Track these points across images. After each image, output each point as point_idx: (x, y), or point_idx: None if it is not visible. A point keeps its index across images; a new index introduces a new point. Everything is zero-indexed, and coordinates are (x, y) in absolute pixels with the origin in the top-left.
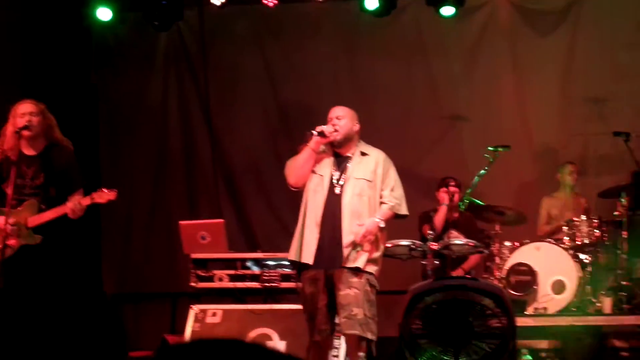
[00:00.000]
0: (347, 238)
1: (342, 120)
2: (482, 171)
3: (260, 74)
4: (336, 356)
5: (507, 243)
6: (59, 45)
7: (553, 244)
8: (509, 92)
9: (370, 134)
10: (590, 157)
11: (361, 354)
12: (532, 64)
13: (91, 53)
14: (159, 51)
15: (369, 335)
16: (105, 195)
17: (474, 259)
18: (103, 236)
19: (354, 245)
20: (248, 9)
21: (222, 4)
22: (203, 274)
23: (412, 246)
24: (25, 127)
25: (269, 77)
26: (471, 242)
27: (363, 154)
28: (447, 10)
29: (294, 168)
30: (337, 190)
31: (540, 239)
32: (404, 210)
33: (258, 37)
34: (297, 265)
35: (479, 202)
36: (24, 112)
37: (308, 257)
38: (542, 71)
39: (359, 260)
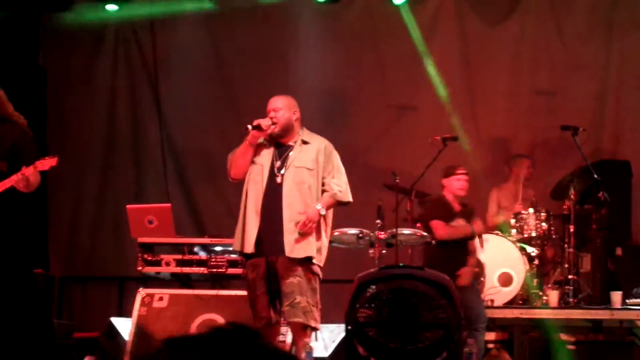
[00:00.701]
0: (287, 226)
1: (279, 111)
2: None
3: (210, 58)
4: (283, 341)
5: None
6: (6, 26)
7: (501, 236)
8: (458, 82)
9: (318, 121)
10: (538, 149)
11: (307, 339)
12: (482, 55)
13: (39, 34)
14: (108, 34)
15: (312, 323)
16: (47, 162)
17: None
18: (50, 218)
19: (297, 233)
20: None
21: None
22: (150, 258)
23: (359, 235)
24: None
25: (219, 60)
26: (419, 232)
27: (304, 142)
28: None
29: (232, 161)
30: (278, 179)
31: (488, 231)
32: (347, 197)
33: (208, 20)
34: (242, 253)
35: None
36: None
37: (249, 247)
38: (491, 62)
39: (302, 250)
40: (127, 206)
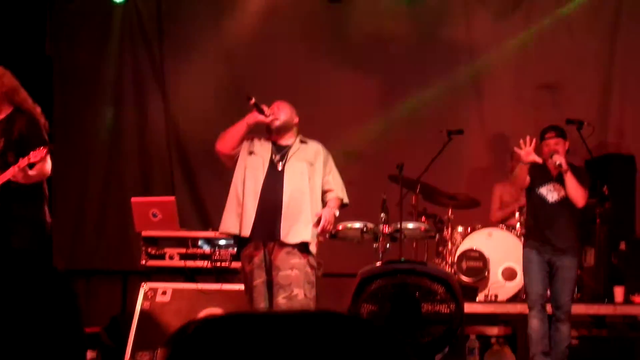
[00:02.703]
0: (286, 211)
1: (282, 110)
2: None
3: (216, 52)
4: None
5: (460, 228)
6: (13, 14)
7: (505, 230)
8: (464, 75)
9: (322, 114)
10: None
11: None
12: (488, 49)
13: (46, 24)
14: (115, 24)
15: None
16: (38, 153)
17: None
18: (55, 211)
19: (294, 220)
20: None
21: None
22: (154, 252)
23: (364, 229)
24: None
25: (226, 55)
26: (422, 225)
27: (302, 141)
28: None
29: (225, 136)
30: (279, 167)
31: (493, 225)
32: (346, 198)
33: (215, 15)
34: (237, 240)
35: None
36: None
37: (246, 229)
38: (497, 56)
39: (298, 234)
40: (132, 199)
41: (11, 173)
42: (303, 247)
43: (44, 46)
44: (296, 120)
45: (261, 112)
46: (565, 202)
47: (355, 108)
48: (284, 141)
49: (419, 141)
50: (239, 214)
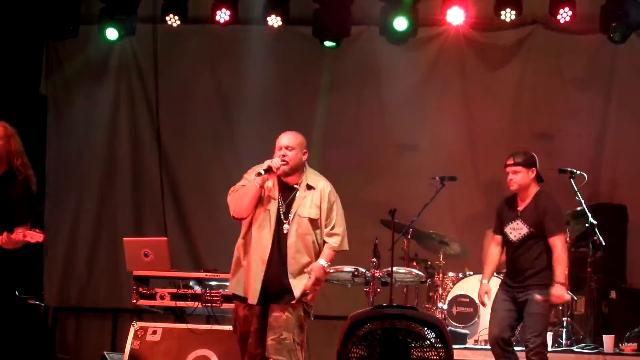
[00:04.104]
0: (292, 280)
1: (292, 151)
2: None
3: (211, 94)
4: None
5: (451, 274)
6: (8, 53)
7: (496, 276)
8: (458, 123)
9: (319, 157)
10: None
11: None
12: (482, 97)
13: (41, 63)
14: (110, 65)
15: None
16: (35, 236)
17: None
18: (46, 248)
19: (298, 280)
20: (201, 28)
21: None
22: (145, 292)
23: (355, 272)
24: None
25: (220, 97)
26: (413, 271)
27: (309, 187)
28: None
29: (239, 202)
30: (285, 228)
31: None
32: (345, 246)
33: (210, 57)
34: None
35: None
36: None
37: (253, 298)
38: (491, 104)
39: (300, 287)
40: (124, 239)
41: (1, 241)
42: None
43: (39, 86)
44: (305, 157)
45: (270, 171)
46: (529, 239)
47: (349, 150)
48: (292, 180)
49: (411, 186)
50: (245, 276)
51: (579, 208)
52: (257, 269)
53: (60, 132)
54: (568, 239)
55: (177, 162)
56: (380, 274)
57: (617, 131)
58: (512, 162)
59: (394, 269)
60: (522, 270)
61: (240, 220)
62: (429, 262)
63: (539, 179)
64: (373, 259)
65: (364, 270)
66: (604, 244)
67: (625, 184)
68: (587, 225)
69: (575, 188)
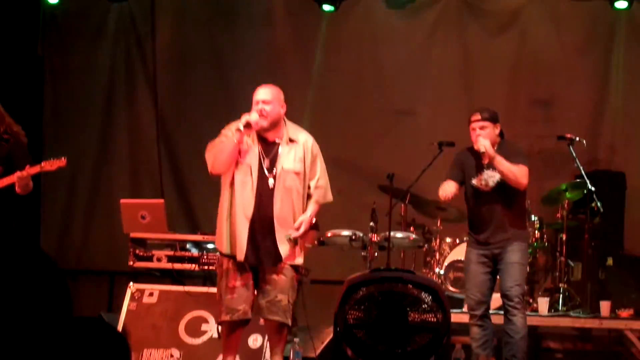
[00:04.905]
0: (279, 235)
1: (268, 105)
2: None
3: (208, 57)
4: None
5: (448, 239)
6: (5, 14)
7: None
8: (457, 89)
9: (317, 124)
10: (534, 159)
11: (296, 339)
12: (481, 63)
13: (38, 24)
14: (108, 27)
15: (290, 322)
16: (55, 163)
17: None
18: (43, 211)
19: (288, 242)
20: None
21: None
22: (141, 254)
23: (352, 237)
24: None
25: (217, 60)
26: (412, 235)
27: (291, 140)
28: None
29: (217, 157)
30: (270, 183)
31: None
32: (329, 197)
33: (208, 20)
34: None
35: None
36: None
37: (240, 254)
38: (490, 70)
39: (296, 257)
40: (121, 201)
41: (17, 177)
42: None
43: (36, 46)
44: (283, 110)
45: (249, 127)
46: (501, 188)
47: (347, 116)
48: (272, 135)
49: (410, 152)
50: (230, 235)
51: (577, 175)
52: (241, 227)
53: (57, 93)
54: (566, 206)
55: (174, 125)
56: (378, 238)
57: (616, 98)
58: (479, 117)
59: (392, 233)
60: (498, 223)
61: (218, 177)
62: (427, 228)
63: (501, 135)
64: (371, 223)
65: (361, 234)
66: (601, 210)
67: (624, 151)
68: (585, 192)
69: (574, 154)
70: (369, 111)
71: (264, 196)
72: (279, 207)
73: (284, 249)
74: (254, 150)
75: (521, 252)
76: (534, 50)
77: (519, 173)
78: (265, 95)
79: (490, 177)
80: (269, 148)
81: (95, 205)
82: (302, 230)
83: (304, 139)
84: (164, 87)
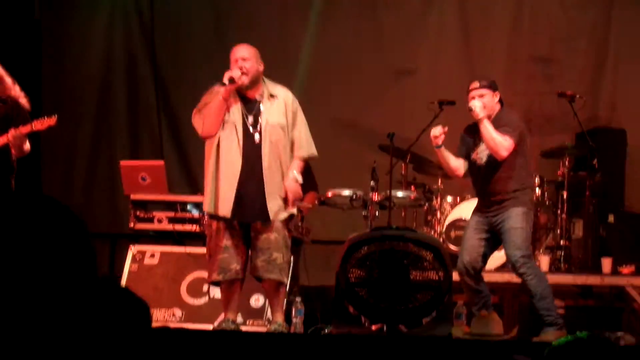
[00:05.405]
0: (269, 189)
1: (248, 62)
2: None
3: (208, 19)
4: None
5: (449, 198)
6: None
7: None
8: (457, 46)
9: (316, 84)
10: (534, 116)
11: (298, 299)
12: (481, 20)
13: None
14: None
15: (286, 280)
16: (45, 122)
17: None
18: (43, 174)
19: (279, 198)
20: None
21: None
22: (142, 215)
23: (353, 196)
24: None
25: (217, 22)
26: (412, 194)
27: (272, 96)
28: None
29: (206, 119)
30: (256, 138)
31: None
32: (313, 151)
33: None
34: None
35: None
36: None
37: (224, 210)
38: (490, 28)
39: (285, 212)
40: (121, 162)
41: (11, 136)
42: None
43: (33, 10)
44: (261, 67)
45: (233, 82)
46: (494, 159)
47: (346, 75)
48: (252, 93)
49: (410, 111)
50: (215, 193)
51: (577, 132)
52: (229, 184)
53: (55, 56)
54: (567, 163)
55: (173, 86)
56: (379, 198)
57: (617, 54)
58: (478, 85)
59: (393, 192)
60: (494, 190)
61: (209, 138)
62: (427, 186)
63: (502, 104)
64: (371, 183)
65: (362, 194)
66: (602, 166)
67: (624, 108)
68: (586, 149)
69: (574, 112)
70: (368, 70)
71: (251, 152)
72: (267, 161)
73: (273, 203)
74: (236, 108)
75: (519, 216)
76: (533, 6)
77: (499, 143)
78: (244, 52)
79: (484, 151)
80: (250, 105)
81: (95, 168)
82: (291, 199)
83: (284, 94)
84: (163, 48)
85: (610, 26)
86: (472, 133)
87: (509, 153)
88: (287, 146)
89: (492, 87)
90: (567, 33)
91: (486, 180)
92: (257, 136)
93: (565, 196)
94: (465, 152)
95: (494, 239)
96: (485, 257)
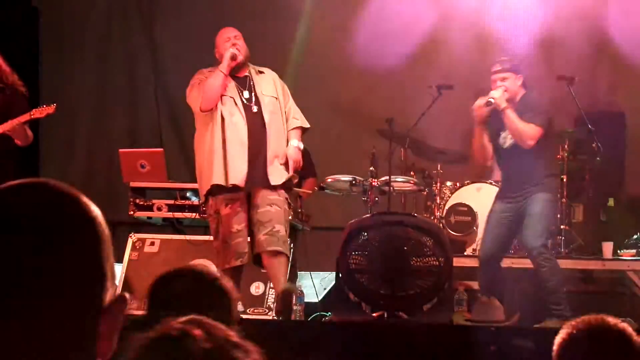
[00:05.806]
0: (270, 156)
1: (239, 39)
2: None
3: (207, 6)
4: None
5: (449, 183)
6: None
7: (494, 185)
8: (457, 29)
9: (314, 69)
10: None
11: (299, 284)
12: (479, 3)
13: None
14: None
15: (289, 254)
16: (44, 110)
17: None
18: (41, 161)
19: (277, 163)
20: None
21: None
22: (142, 203)
23: (353, 182)
24: None
25: (216, 9)
26: (412, 180)
27: (260, 72)
28: None
29: (207, 93)
30: (254, 109)
31: (482, 180)
32: (306, 124)
33: None
34: (210, 189)
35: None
36: None
37: (236, 179)
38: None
39: (280, 176)
40: (120, 150)
41: (10, 125)
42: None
43: None
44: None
45: (235, 59)
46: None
47: (345, 61)
48: (242, 72)
49: (409, 96)
50: (225, 164)
51: (576, 115)
52: (240, 154)
53: (53, 44)
54: (567, 147)
55: (172, 74)
56: (378, 183)
57: (617, 36)
58: (499, 67)
59: (392, 177)
60: (520, 176)
61: (207, 112)
62: (427, 172)
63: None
64: (371, 168)
65: (361, 179)
66: (602, 149)
67: (624, 91)
68: (585, 132)
69: (574, 95)
70: (367, 54)
71: (254, 121)
72: (269, 128)
73: (273, 169)
74: (231, 85)
75: (543, 201)
76: None
77: (524, 133)
78: (235, 32)
79: (508, 136)
80: (242, 82)
81: (94, 156)
82: (293, 166)
83: (269, 71)
84: (161, 33)
85: (610, 8)
86: (497, 117)
87: (536, 141)
88: (283, 116)
89: (515, 69)
90: (567, 15)
91: (513, 166)
92: (255, 107)
93: (565, 180)
94: (490, 137)
95: (517, 225)
96: (506, 248)
